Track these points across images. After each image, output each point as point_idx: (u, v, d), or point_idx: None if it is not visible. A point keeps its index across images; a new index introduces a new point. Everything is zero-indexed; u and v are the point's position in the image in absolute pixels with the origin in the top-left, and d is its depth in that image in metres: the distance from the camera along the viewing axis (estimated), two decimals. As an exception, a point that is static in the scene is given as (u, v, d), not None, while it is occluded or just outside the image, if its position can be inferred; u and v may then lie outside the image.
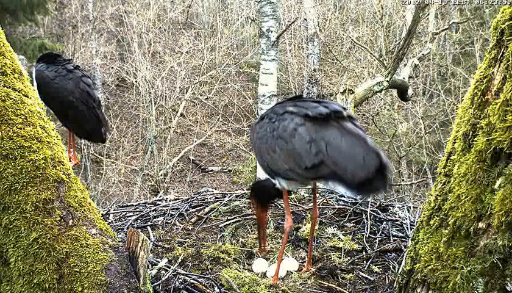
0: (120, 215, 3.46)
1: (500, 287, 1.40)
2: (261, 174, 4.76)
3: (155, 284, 2.15)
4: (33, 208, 1.84)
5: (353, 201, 3.44)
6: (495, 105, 1.43)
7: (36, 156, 1.89)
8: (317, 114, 1.97)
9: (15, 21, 10.72)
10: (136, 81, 13.44)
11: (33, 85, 2.24)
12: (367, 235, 2.91)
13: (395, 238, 2.88)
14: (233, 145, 13.68)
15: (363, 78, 10.14)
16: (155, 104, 12.92)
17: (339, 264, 2.54)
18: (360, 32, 12.59)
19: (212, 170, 14.19)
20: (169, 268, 2.33)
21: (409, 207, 3.37)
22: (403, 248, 2.67)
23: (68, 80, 2.99)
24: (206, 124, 14.11)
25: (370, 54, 9.01)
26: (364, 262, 2.62)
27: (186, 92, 13.47)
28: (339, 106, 2.06)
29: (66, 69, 3.02)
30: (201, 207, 3.48)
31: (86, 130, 3.11)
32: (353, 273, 2.46)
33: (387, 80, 6.14)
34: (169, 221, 3.22)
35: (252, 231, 3.13)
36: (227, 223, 3.18)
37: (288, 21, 12.20)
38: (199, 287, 2.18)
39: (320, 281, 2.37)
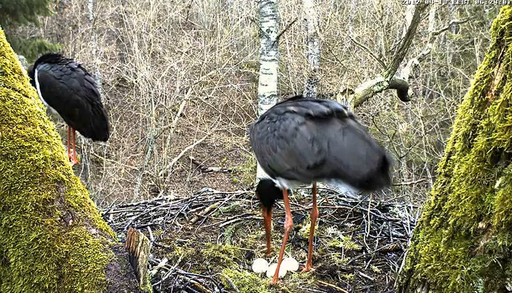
0: (120, 215, 3.46)
1: (500, 287, 1.40)
2: (262, 174, 4.75)
3: (155, 284, 2.15)
4: (33, 208, 1.84)
5: (353, 201, 3.44)
6: (495, 105, 1.43)
7: (36, 156, 1.89)
8: (318, 113, 1.96)
9: (15, 21, 10.72)
10: (136, 81, 13.45)
11: (34, 86, 2.23)
12: (367, 235, 2.91)
13: (395, 238, 2.87)
14: (233, 145, 13.68)
15: (363, 78, 10.14)
16: (155, 104, 12.92)
17: (339, 263, 2.54)
18: (360, 32, 12.60)
19: (212, 170, 14.19)
20: (169, 268, 2.32)
21: (409, 207, 3.37)
22: (403, 248, 2.67)
23: (73, 78, 3.01)
24: (206, 124, 14.10)
25: (370, 54, 9.01)
26: (364, 262, 2.62)
27: (186, 92, 13.48)
28: (340, 105, 2.05)
29: (70, 68, 3.04)
30: (201, 207, 3.48)
31: (91, 129, 3.12)
32: (353, 273, 2.46)
33: (387, 80, 6.14)
34: (169, 221, 3.21)
35: (252, 231, 3.13)
36: (227, 223, 3.17)
37: (288, 21, 12.20)
38: (199, 287, 2.18)
39: (320, 281, 2.37)
